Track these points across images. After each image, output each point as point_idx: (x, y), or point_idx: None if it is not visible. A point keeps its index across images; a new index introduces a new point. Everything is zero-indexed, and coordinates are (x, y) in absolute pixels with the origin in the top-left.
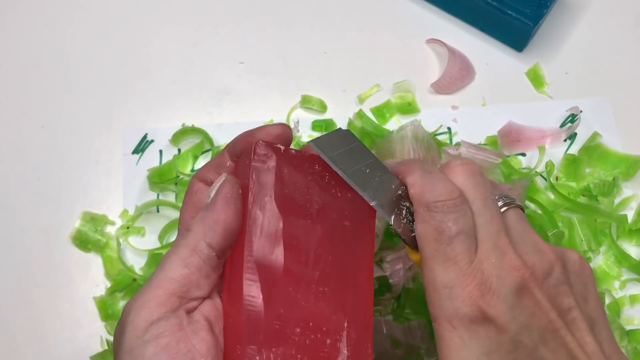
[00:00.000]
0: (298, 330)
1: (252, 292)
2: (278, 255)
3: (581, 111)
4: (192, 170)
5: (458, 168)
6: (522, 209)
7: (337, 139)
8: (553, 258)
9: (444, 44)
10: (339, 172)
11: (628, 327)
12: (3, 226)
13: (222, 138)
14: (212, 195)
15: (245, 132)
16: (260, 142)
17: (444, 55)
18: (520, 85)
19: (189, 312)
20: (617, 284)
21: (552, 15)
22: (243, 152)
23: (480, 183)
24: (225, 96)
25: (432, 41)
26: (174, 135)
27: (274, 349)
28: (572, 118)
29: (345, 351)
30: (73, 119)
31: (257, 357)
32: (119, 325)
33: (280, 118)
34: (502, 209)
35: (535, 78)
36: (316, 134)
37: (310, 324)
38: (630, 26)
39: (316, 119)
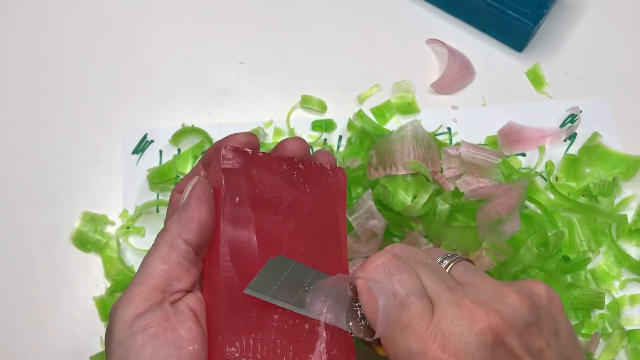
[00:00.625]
0: (276, 316)
1: (230, 285)
2: (252, 249)
3: (581, 111)
4: None
5: (387, 250)
6: (470, 261)
7: (271, 271)
8: (517, 300)
9: (444, 44)
10: (285, 306)
11: (628, 327)
12: (3, 226)
13: None
14: (185, 196)
15: (215, 142)
16: (228, 147)
17: (444, 55)
18: (520, 85)
19: (173, 303)
20: (617, 284)
21: (552, 15)
22: (213, 159)
23: (412, 253)
24: (225, 96)
25: (432, 41)
26: (174, 135)
27: (253, 335)
28: (572, 118)
29: (324, 334)
30: (73, 119)
31: (238, 343)
32: (109, 325)
33: (280, 118)
34: (448, 268)
35: (535, 78)
36: (316, 134)
37: (288, 310)
38: (630, 26)
39: (316, 119)
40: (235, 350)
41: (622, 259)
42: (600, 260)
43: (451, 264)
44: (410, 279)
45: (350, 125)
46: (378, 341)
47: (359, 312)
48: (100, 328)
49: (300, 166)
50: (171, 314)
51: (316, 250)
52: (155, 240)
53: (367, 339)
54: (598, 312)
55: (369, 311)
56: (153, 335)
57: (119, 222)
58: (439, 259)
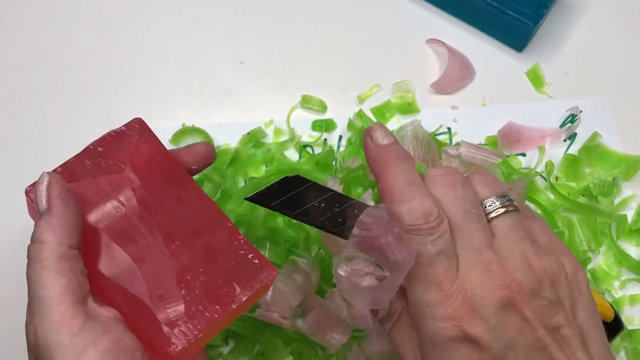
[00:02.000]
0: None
1: (127, 298)
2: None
3: (581, 111)
4: None
5: (437, 179)
6: (519, 211)
7: (282, 186)
8: (542, 275)
9: (444, 44)
10: (288, 215)
11: (628, 327)
12: (3, 226)
13: (222, 138)
14: (43, 200)
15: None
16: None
17: (444, 55)
18: (520, 85)
19: (97, 311)
20: (617, 284)
21: (552, 15)
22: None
23: (461, 196)
24: (226, 96)
25: (432, 41)
26: (174, 135)
27: (177, 320)
28: (572, 118)
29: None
30: (73, 119)
31: (172, 339)
32: (41, 354)
33: (280, 118)
34: (495, 214)
35: (535, 78)
36: (316, 134)
37: (187, 276)
38: (630, 26)
39: (316, 119)
40: (175, 345)
41: (622, 258)
42: (600, 260)
43: (501, 211)
44: (442, 240)
45: (350, 125)
46: None
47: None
48: None
49: (100, 149)
50: (108, 324)
51: (181, 215)
52: (34, 256)
53: None
54: None
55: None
56: (105, 349)
57: None
58: (490, 200)
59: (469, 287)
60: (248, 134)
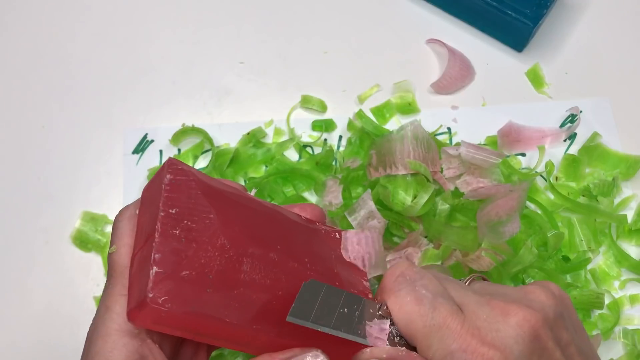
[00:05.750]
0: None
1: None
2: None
3: (581, 111)
4: None
5: (402, 261)
6: (485, 278)
7: (307, 295)
8: (542, 294)
9: (444, 44)
10: (327, 331)
11: (628, 327)
12: (3, 226)
13: (222, 138)
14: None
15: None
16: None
17: (444, 55)
18: (520, 85)
19: None
20: (616, 284)
21: (552, 15)
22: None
23: (433, 271)
24: (225, 96)
25: (432, 41)
26: (174, 135)
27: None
28: (572, 118)
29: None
30: (73, 119)
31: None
32: None
33: (280, 118)
34: (467, 284)
35: (535, 78)
36: (316, 134)
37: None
38: (630, 26)
39: (316, 119)
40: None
41: (622, 258)
42: (600, 260)
43: (469, 281)
44: (433, 282)
45: (350, 125)
46: None
47: (393, 331)
48: None
49: (172, 211)
50: None
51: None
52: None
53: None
54: (598, 312)
55: (401, 318)
56: None
57: None
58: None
59: (482, 325)
60: (248, 134)
